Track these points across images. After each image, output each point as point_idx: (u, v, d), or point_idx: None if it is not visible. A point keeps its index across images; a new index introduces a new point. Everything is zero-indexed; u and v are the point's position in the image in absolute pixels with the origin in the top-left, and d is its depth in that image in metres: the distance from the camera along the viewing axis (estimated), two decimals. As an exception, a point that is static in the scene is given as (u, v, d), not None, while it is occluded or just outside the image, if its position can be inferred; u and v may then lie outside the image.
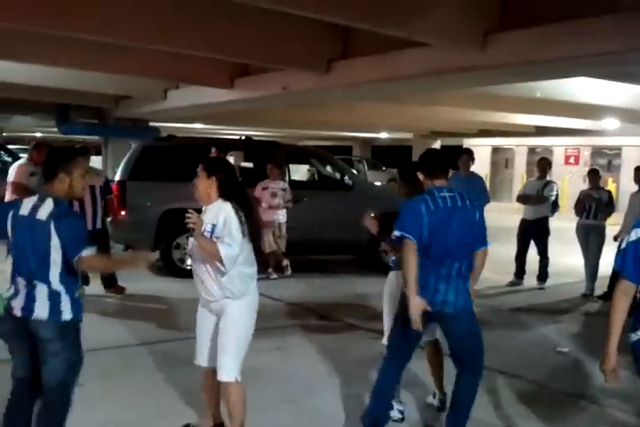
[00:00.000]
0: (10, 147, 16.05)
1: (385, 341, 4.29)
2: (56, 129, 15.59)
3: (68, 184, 3.42)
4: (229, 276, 3.55)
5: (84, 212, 7.43)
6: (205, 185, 3.60)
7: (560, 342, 6.33)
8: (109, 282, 7.77)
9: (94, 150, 20.28)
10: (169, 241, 8.68)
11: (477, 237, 3.94)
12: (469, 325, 3.92)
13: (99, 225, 7.48)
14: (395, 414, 4.27)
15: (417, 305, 3.67)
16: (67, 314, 3.34)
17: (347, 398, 4.71)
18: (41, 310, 3.31)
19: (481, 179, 8.41)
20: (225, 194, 3.59)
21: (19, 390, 3.49)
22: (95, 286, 7.63)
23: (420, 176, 3.96)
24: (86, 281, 7.58)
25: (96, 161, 10.67)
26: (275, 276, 9.15)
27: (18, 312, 3.33)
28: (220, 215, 3.53)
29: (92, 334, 5.99)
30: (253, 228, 3.62)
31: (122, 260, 3.67)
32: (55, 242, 3.29)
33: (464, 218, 3.85)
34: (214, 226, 3.53)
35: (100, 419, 4.18)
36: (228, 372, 3.61)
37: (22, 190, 7.39)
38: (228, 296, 3.61)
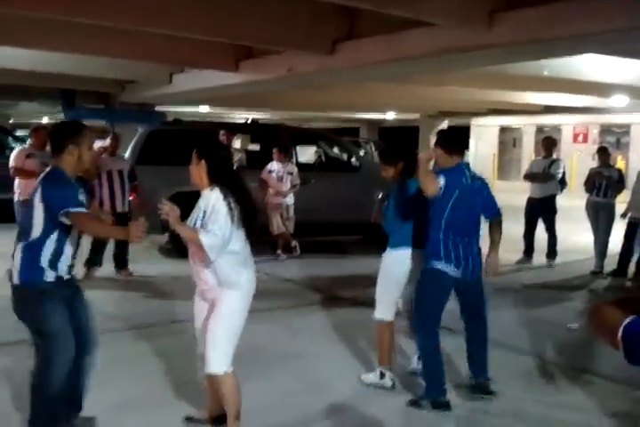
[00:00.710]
0: (17, 133, 16.06)
1: (379, 315, 4.55)
2: (62, 115, 15.61)
3: (77, 156, 3.45)
4: (219, 264, 3.43)
5: (114, 195, 7.58)
6: (197, 170, 3.50)
7: (570, 319, 6.34)
8: (121, 264, 7.84)
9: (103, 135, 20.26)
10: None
11: (491, 209, 4.39)
12: (482, 287, 4.44)
13: (125, 209, 7.65)
14: (386, 381, 4.49)
15: None
16: (17, 279, 3.41)
17: (356, 372, 4.76)
18: (14, 277, 3.42)
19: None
20: (214, 179, 3.46)
21: None
22: (105, 268, 7.72)
23: (441, 155, 4.23)
24: (100, 263, 7.68)
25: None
26: (284, 257, 9.20)
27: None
28: (210, 201, 3.42)
29: (102, 316, 6.08)
30: (247, 214, 3.48)
31: (119, 228, 3.60)
32: (37, 205, 3.36)
33: (479, 194, 4.29)
34: (205, 213, 3.42)
35: (109, 398, 4.24)
36: (217, 364, 3.47)
37: (22, 173, 7.47)
38: (220, 285, 3.50)
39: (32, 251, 3.40)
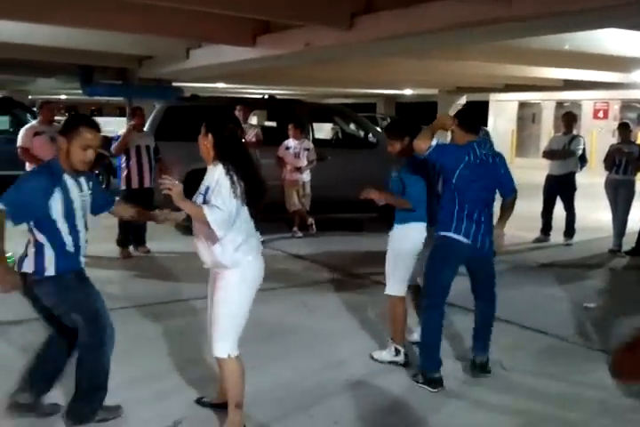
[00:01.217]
0: (35, 109, 16.13)
1: (390, 291, 4.60)
2: (80, 91, 15.62)
3: (66, 151, 3.36)
4: (221, 243, 3.30)
5: (142, 170, 7.63)
6: (203, 144, 3.40)
7: (587, 298, 6.32)
8: (139, 241, 7.90)
9: (118, 111, 20.28)
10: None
11: (506, 186, 4.44)
12: (492, 263, 4.48)
13: (150, 184, 7.67)
14: (400, 358, 4.54)
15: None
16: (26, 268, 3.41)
17: (372, 349, 4.78)
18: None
19: (486, 131, 8.22)
20: (220, 153, 3.34)
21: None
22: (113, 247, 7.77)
23: (457, 130, 4.29)
24: (131, 242, 7.75)
25: (120, 122, 10.69)
26: (300, 234, 9.21)
27: None
28: (213, 177, 3.30)
29: (121, 292, 6.15)
30: (252, 191, 3.33)
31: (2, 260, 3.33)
32: None
33: (494, 172, 4.32)
34: (208, 188, 3.30)
35: (128, 374, 4.29)
36: (220, 348, 3.38)
37: (27, 156, 7.46)
38: (222, 265, 3.37)
39: (42, 246, 3.39)
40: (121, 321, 5.25)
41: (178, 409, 3.80)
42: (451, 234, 4.22)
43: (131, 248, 7.86)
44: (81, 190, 3.48)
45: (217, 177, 3.27)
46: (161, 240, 8.09)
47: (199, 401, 3.87)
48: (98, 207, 3.71)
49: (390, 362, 4.55)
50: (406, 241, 4.53)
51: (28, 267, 3.39)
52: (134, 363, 4.48)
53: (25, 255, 3.42)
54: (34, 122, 8.06)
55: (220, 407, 3.63)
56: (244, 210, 3.35)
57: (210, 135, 3.36)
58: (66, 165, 3.39)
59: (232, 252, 3.32)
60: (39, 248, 3.37)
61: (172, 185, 3.21)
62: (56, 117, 8.37)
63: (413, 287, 4.76)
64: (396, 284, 4.58)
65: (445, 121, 4.32)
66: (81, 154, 3.37)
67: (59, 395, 3.80)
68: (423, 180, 4.49)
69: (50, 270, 3.37)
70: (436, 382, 4.21)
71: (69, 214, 3.40)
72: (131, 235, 7.83)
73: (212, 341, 3.40)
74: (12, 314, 5.16)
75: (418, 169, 4.49)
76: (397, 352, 4.55)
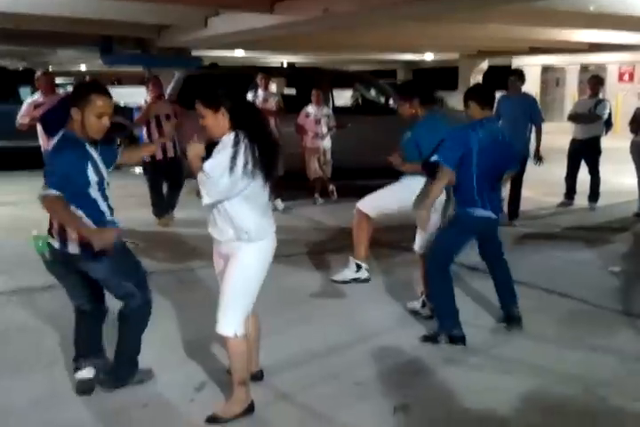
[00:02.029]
0: (56, 81, 16.20)
1: (362, 206, 4.80)
2: (100, 61, 15.62)
3: (80, 122, 3.29)
4: (235, 211, 3.20)
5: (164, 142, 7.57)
6: (216, 121, 3.21)
7: (612, 262, 6.28)
8: (169, 207, 7.92)
9: (138, 81, 20.25)
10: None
11: (511, 162, 4.59)
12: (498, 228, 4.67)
13: (176, 153, 7.65)
14: (362, 273, 4.75)
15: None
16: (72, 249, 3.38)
17: (394, 314, 4.83)
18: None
19: (534, 99, 8.13)
20: (237, 124, 3.20)
21: None
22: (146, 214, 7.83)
23: (473, 105, 4.35)
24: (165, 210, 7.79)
25: (140, 92, 10.66)
26: (321, 201, 9.22)
27: None
28: (224, 149, 3.16)
29: (146, 259, 6.22)
30: (266, 158, 3.19)
31: (88, 229, 3.23)
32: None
33: (503, 149, 4.39)
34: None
35: (154, 339, 4.36)
36: (226, 325, 3.26)
37: (27, 127, 7.34)
38: (234, 237, 3.26)
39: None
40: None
41: (202, 374, 3.87)
42: (479, 210, 4.31)
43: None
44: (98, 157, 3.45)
45: (225, 144, 3.16)
46: (182, 208, 8.11)
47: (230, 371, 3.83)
48: (109, 163, 3.60)
49: (353, 279, 4.59)
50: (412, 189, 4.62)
51: (73, 248, 3.37)
52: (159, 328, 4.54)
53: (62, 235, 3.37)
54: (35, 96, 7.72)
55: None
56: (259, 178, 3.19)
57: (222, 109, 3.19)
58: (82, 135, 3.34)
59: (248, 221, 3.23)
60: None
61: (193, 146, 3.21)
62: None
63: (424, 256, 4.74)
64: (374, 206, 4.71)
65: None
66: (96, 122, 3.31)
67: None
68: (437, 140, 4.44)
69: None
70: (458, 340, 4.27)
71: (101, 183, 3.39)
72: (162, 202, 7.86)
73: (219, 318, 3.29)
74: (35, 281, 5.26)
75: (430, 130, 4.52)
76: (359, 268, 4.58)
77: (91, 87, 3.40)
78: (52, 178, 3.23)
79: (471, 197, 4.30)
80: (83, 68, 28.29)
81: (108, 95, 3.36)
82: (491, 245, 4.68)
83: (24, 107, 7.54)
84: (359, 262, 4.58)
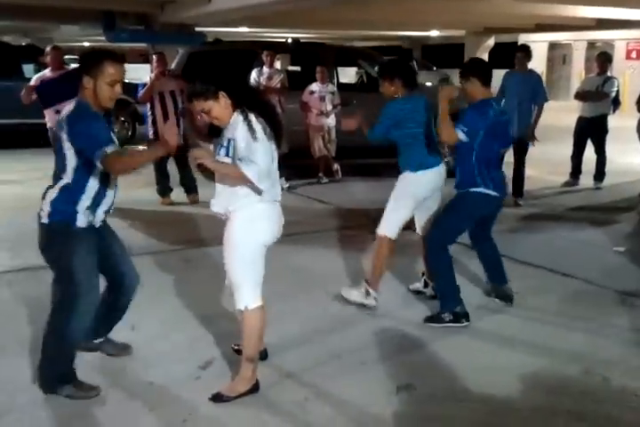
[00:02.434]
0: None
1: (382, 231, 4.58)
2: (104, 37, 15.52)
3: (93, 90, 3.18)
4: (233, 189, 3.21)
5: (168, 117, 7.49)
6: (221, 108, 3.17)
7: (616, 242, 6.27)
8: (188, 189, 7.89)
9: (142, 58, 20.18)
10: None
11: (508, 141, 4.81)
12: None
13: (180, 130, 7.57)
14: (371, 301, 4.55)
15: None
16: (46, 218, 3.26)
17: (397, 294, 4.84)
18: (42, 214, 3.28)
19: (539, 77, 8.06)
20: (239, 103, 3.18)
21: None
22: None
23: (474, 81, 4.32)
24: (170, 189, 7.77)
25: (144, 69, 10.60)
26: (325, 180, 9.20)
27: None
28: (236, 129, 3.14)
29: (156, 239, 6.24)
30: (272, 126, 3.21)
31: (147, 149, 3.08)
32: (67, 145, 3.14)
33: (504, 128, 4.47)
34: (230, 140, 3.16)
35: (160, 317, 4.39)
36: (239, 300, 3.31)
37: (27, 96, 7.18)
38: (233, 209, 3.25)
39: (70, 193, 3.24)
40: (152, 265, 5.40)
41: (208, 352, 3.89)
42: (481, 189, 4.32)
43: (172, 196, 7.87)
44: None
45: (239, 128, 3.14)
46: (204, 187, 8.07)
47: (237, 350, 3.80)
48: None
49: (359, 303, 4.53)
50: (412, 184, 4.52)
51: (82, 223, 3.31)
52: (164, 307, 4.58)
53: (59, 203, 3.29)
54: (45, 71, 7.58)
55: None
56: (272, 152, 3.21)
57: (222, 93, 3.15)
58: (94, 104, 3.22)
59: (247, 195, 3.21)
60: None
61: (203, 154, 3.10)
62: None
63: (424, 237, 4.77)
64: (392, 225, 4.55)
65: (447, 94, 4.28)
66: (109, 91, 3.19)
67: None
68: (415, 123, 4.42)
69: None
70: (462, 317, 4.30)
71: None
72: (169, 183, 7.85)
73: (233, 294, 3.34)
74: (41, 259, 5.28)
75: (404, 104, 4.46)
76: (368, 294, 4.53)
77: (103, 54, 3.24)
78: (90, 142, 3.06)
79: (473, 177, 4.31)
80: (86, 44, 28.11)
81: (121, 62, 3.25)
82: (487, 225, 4.68)
83: (32, 82, 7.47)
84: (369, 290, 4.53)
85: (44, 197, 3.31)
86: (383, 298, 4.66)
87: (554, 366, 3.80)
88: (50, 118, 6.95)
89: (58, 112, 6.13)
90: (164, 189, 7.80)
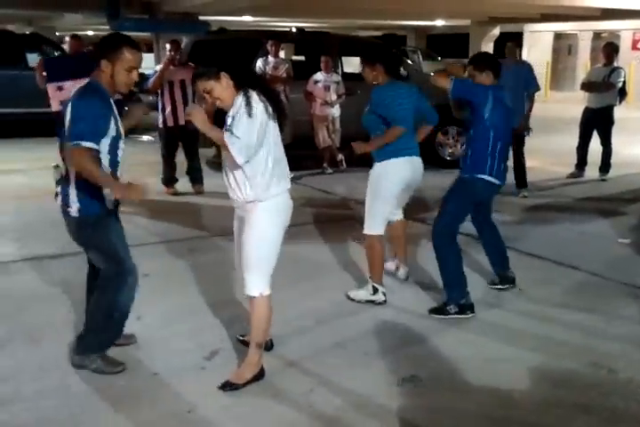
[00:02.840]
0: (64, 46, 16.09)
1: (368, 230, 4.53)
2: (107, 26, 15.46)
3: (110, 75, 3.22)
4: (250, 172, 3.23)
5: (176, 107, 7.45)
6: (222, 88, 3.21)
7: (621, 234, 6.25)
8: (194, 180, 7.88)
9: (146, 47, 20.14)
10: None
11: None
12: None
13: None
14: (379, 296, 4.52)
15: None
16: (75, 211, 3.32)
17: (402, 285, 4.84)
18: (71, 210, 3.35)
19: (530, 66, 8.00)
20: (240, 84, 3.21)
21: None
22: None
23: (488, 74, 4.37)
24: (175, 179, 7.76)
25: (148, 58, 10.56)
26: (330, 170, 9.18)
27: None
28: (237, 107, 3.17)
29: (161, 229, 6.24)
30: (276, 109, 3.25)
31: (110, 179, 3.17)
32: (68, 121, 3.19)
33: (510, 116, 4.50)
34: (233, 118, 3.18)
35: (165, 307, 4.40)
36: (251, 287, 3.36)
37: (40, 77, 7.08)
38: (250, 199, 3.29)
39: (87, 185, 3.24)
40: (157, 255, 5.41)
41: (212, 342, 3.89)
42: (485, 177, 4.33)
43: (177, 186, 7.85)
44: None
45: (238, 105, 3.17)
46: (210, 177, 8.06)
47: (241, 341, 3.82)
48: None
49: (368, 301, 4.50)
50: (385, 178, 4.46)
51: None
52: (171, 296, 4.58)
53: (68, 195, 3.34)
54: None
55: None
56: (275, 134, 3.25)
57: (224, 75, 3.20)
58: (109, 88, 3.27)
59: (262, 181, 3.25)
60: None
61: (196, 112, 3.16)
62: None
63: (401, 221, 4.91)
64: (376, 222, 4.50)
65: (457, 70, 4.40)
66: (126, 76, 3.24)
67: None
68: (402, 105, 4.36)
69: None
70: (467, 309, 4.31)
71: (116, 141, 3.29)
72: (174, 174, 7.83)
73: (245, 280, 3.38)
74: (46, 249, 5.29)
75: (389, 91, 4.40)
76: (375, 291, 4.50)
77: (122, 39, 3.31)
78: (79, 126, 3.11)
79: (482, 161, 4.31)
80: (90, 33, 28.04)
81: (139, 48, 3.30)
82: (484, 209, 4.77)
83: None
84: (376, 285, 4.52)
85: (61, 195, 3.35)
86: (389, 288, 4.66)
87: (559, 358, 3.79)
88: (52, 94, 6.92)
89: (60, 89, 6.17)
90: (168, 178, 7.79)
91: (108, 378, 3.46)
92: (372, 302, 4.51)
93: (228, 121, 3.21)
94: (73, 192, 3.32)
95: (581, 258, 5.48)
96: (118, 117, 3.33)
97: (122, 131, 3.36)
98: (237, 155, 3.11)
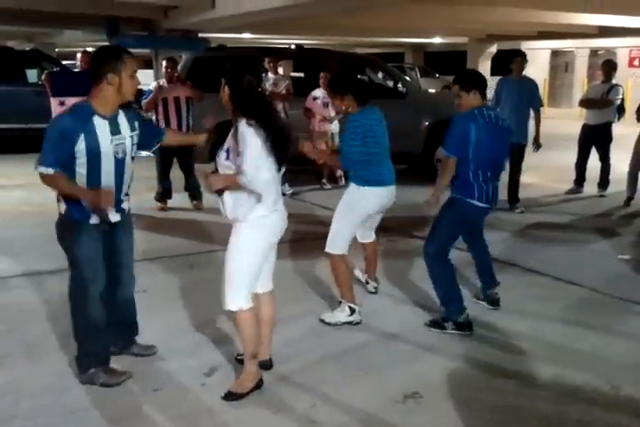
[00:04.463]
0: (64, 62, 16.14)
1: (330, 249, 4.44)
2: (107, 43, 15.51)
3: (118, 85, 3.26)
4: (236, 196, 3.26)
5: (169, 124, 7.47)
6: (224, 96, 3.29)
7: (621, 250, 6.25)
8: (192, 195, 7.87)
9: (144, 64, 20.21)
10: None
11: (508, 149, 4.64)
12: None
13: None
14: (355, 317, 4.44)
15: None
16: (62, 209, 3.41)
17: (399, 300, 4.82)
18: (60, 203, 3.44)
19: (533, 82, 8.05)
20: (239, 108, 3.23)
21: None
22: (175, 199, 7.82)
23: (476, 93, 4.28)
24: (169, 195, 7.77)
25: (147, 75, 10.61)
26: (328, 186, 9.19)
27: None
28: (236, 135, 3.17)
29: (160, 244, 6.22)
30: (278, 143, 3.20)
31: (83, 191, 3.26)
32: None
33: (504, 134, 4.38)
34: (229, 148, 3.23)
35: (164, 323, 4.37)
36: (228, 301, 3.36)
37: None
38: (237, 219, 3.31)
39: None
40: (155, 271, 5.39)
41: (213, 358, 3.87)
42: (472, 201, 4.29)
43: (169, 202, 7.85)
44: (118, 133, 3.35)
45: (239, 136, 3.15)
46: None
47: (238, 358, 3.80)
48: (147, 141, 3.66)
49: (345, 323, 4.40)
50: (358, 204, 4.46)
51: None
52: (170, 312, 4.56)
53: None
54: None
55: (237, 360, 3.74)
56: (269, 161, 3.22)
57: (227, 88, 3.27)
58: (108, 103, 3.31)
59: (249, 205, 3.26)
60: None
61: (209, 181, 3.21)
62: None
63: (372, 243, 4.97)
64: (340, 243, 4.42)
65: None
66: (130, 83, 3.32)
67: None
68: (363, 139, 4.30)
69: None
70: (465, 327, 4.29)
71: (94, 160, 3.29)
72: (170, 189, 7.83)
73: (224, 295, 3.37)
74: (44, 264, 5.27)
75: (359, 128, 4.31)
76: (352, 311, 4.41)
77: (119, 50, 3.36)
78: (45, 153, 3.23)
79: (468, 186, 4.28)
80: (90, 49, 28.17)
81: (131, 53, 3.38)
82: (475, 229, 4.75)
83: None
84: (352, 306, 4.45)
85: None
86: (382, 304, 4.65)
87: (561, 374, 3.77)
88: (54, 108, 6.93)
89: (62, 104, 6.20)
90: (162, 194, 7.77)
91: (108, 395, 3.44)
92: (350, 322, 4.40)
93: (225, 146, 3.24)
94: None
95: (581, 274, 5.47)
96: (100, 139, 3.28)
97: (106, 149, 3.31)
98: (259, 189, 3.17)
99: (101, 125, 3.29)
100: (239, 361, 3.73)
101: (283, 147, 3.25)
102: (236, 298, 3.34)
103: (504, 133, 4.38)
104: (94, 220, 3.40)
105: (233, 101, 3.26)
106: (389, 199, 4.57)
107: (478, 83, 4.33)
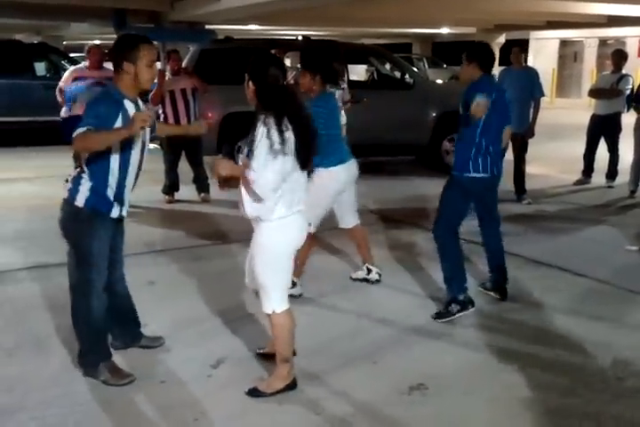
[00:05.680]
0: (72, 55, 16.18)
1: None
2: (114, 35, 15.52)
3: (134, 74, 3.25)
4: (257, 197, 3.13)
5: (178, 116, 7.48)
6: (249, 92, 3.19)
7: (628, 241, 6.23)
8: (201, 188, 7.88)
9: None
10: (232, 144, 8.70)
11: (508, 119, 4.61)
12: (497, 184, 4.65)
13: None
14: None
15: None
16: (79, 201, 3.32)
17: (406, 293, 4.83)
18: (65, 191, 3.39)
19: (534, 71, 8.00)
20: (262, 102, 3.12)
21: None
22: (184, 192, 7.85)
23: (475, 66, 4.37)
24: (176, 188, 7.79)
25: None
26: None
27: None
28: (257, 133, 3.05)
29: (167, 237, 6.25)
30: (303, 143, 3.10)
31: (116, 128, 3.16)
32: None
33: (506, 107, 4.51)
34: (251, 142, 3.08)
35: (171, 315, 4.39)
36: (264, 304, 3.32)
37: (60, 95, 7.26)
38: (259, 219, 3.20)
39: (97, 180, 3.31)
40: (163, 263, 5.42)
41: (220, 350, 3.89)
42: (472, 174, 4.35)
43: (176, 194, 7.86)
44: None
45: (258, 135, 3.03)
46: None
47: (260, 353, 3.78)
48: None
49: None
50: (333, 184, 4.62)
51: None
52: (177, 304, 4.58)
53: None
54: (82, 64, 7.62)
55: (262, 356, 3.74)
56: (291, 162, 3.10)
57: (251, 83, 3.16)
58: (130, 89, 3.31)
59: (268, 207, 3.14)
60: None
61: (218, 166, 3.14)
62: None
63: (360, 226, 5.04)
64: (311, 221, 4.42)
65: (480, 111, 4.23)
66: (148, 72, 3.30)
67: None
68: (325, 117, 4.38)
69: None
70: (468, 304, 4.38)
71: (128, 146, 3.29)
72: (178, 182, 7.84)
73: (260, 298, 3.34)
74: (52, 257, 5.29)
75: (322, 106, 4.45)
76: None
77: (137, 38, 3.34)
78: (86, 119, 3.15)
79: (468, 160, 4.33)
80: (97, 42, 28.20)
81: (151, 42, 3.37)
82: (488, 206, 4.69)
83: (66, 74, 7.52)
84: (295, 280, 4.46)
85: (72, 183, 3.39)
86: (389, 298, 4.65)
87: (566, 365, 3.77)
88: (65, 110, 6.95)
89: None
90: (169, 187, 7.79)
91: (115, 387, 3.46)
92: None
93: (247, 140, 3.11)
94: (87, 184, 3.32)
95: (588, 265, 5.46)
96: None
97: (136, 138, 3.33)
98: (261, 192, 3.06)
99: (131, 109, 3.30)
100: (260, 355, 3.75)
101: (307, 144, 3.15)
102: (271, 301, 3.30)
103: (506, 107, 4.49)
104: (115, 213, 3.40)
105: (258, 97, 3.15)
106: (351, 176, 4.79)
107: (481, 55, 4.41)
